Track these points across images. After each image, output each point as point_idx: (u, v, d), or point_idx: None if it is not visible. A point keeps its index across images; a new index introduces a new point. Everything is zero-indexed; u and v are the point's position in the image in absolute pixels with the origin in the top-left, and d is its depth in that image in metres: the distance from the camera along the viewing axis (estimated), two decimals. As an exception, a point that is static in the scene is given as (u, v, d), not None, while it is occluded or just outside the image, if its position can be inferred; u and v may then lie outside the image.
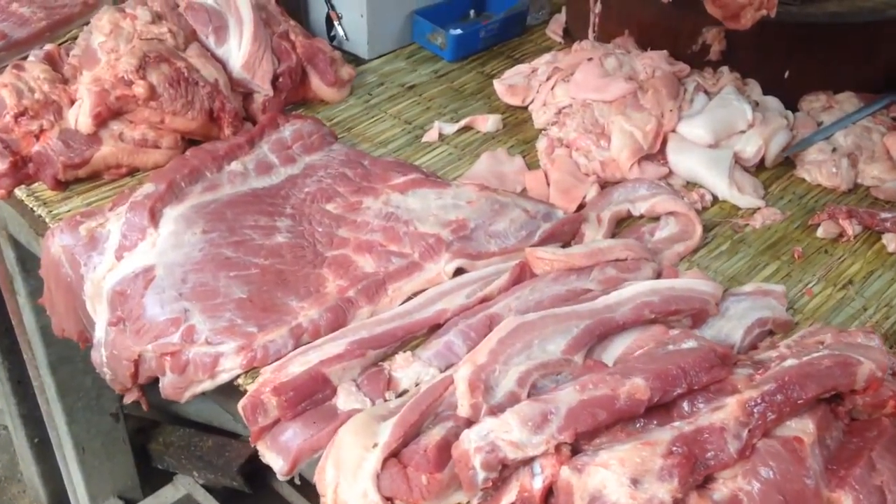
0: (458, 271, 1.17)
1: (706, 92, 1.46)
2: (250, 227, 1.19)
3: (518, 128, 1.53)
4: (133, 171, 1.35)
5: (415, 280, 1.16)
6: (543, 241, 1.22)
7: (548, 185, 1.36)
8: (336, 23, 1.66)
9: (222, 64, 1.43)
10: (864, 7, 1.49)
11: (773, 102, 1.46)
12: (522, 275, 1.14)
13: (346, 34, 1.67)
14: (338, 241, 1.20)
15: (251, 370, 1.04)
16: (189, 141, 1.39)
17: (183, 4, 1.43)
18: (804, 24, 1.46)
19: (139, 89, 1.29)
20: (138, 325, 1.08)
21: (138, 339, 1.07)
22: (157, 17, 1.38)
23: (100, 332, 1.13)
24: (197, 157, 1.26)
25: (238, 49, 1.44)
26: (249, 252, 1.16)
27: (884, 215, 1.23)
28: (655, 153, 1.39)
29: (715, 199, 1.33)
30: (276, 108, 1.47)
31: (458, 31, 1.68)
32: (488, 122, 1.51)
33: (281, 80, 1.48)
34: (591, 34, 1.67)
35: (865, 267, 1.18)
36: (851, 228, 1.22)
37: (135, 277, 1.11)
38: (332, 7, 1.66)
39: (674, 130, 1.40)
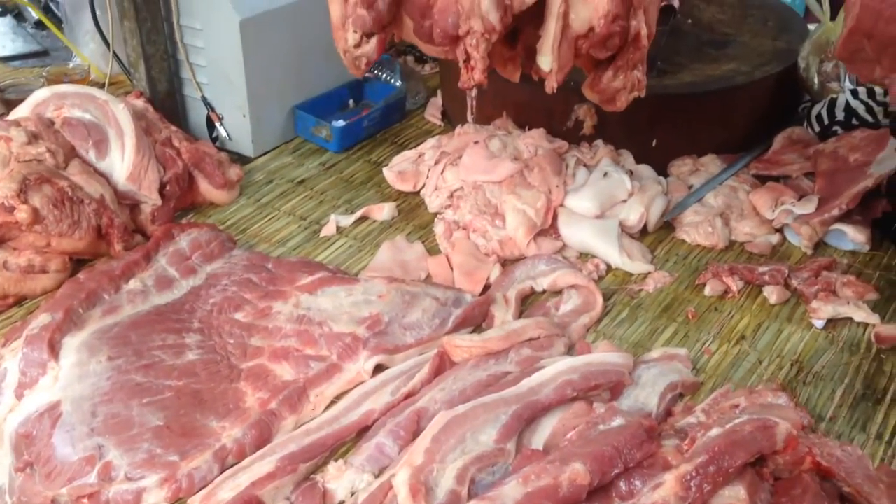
0: (378, 367, 1.18)
1: (586, 165, 1.55)
2: (158, 348, 1.15)
3: (413, 213, 1.56)
4: (21, 300, 1.28)
5: (335, 382, 1.15)
6: (457, 327, 1.25)
7: (451, 269, 1.40)
8: (217, 124, 1.65)
9: (106, 178, 1.39)
10: (714, 76, 1.63)
11: (646, 170, 1.56)
12: (442, 364, 1.16)
13: (228, 134, 1.66)
14: (252, 350, 1.18)
15: (178, 502, 0.99)
16: (77, 261, 1.34)
17: (59, 121, 1.39)
18: (664, 95, 1.58)
19: (22, 214, 1.23)
20: (49, 468, 1.01)
21: (50, 484, 1.00)
22: (34, 137, 1.33)
23: (3, 479, 1.05)
24: (92, 279, 1.22)
25: (121, 161, 1.40)
26: (161, 375, 1.12)
27: (761, 269, 1.33)
28: (548, 228, 1.46)
29: (609, 268, 1.40)
30: (166, 217, 1.44)
31: (342, 123, 1.71)
32: (384, 211, 1.54)
33: (168, 187, 1.45)
34: (470, 117, 1.73)
35: (753, 321, 1.28)
36: (735, 285, 1.32)
37: (39, 417, 1.05)
38: (212, 109, 1.65)
39: (562, 205, 1.48)
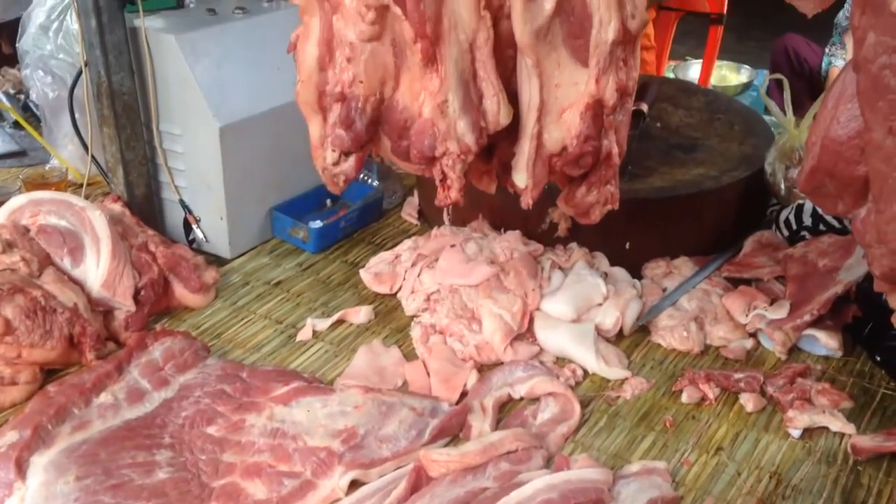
0: (354, 482, 1.15)
1: (561, 268, 1.57)
2: (128, 466, 1.13)
3: (390, 316, 1.56)
4: (-13, 414, 1.25)
5: (309, 500, 1.13)
6: (434, 438, 1.23)
7: (428, 375, 1.39)
8: (195, 226, 1.66)
9: (80, 285, 1.38)
10: (683, 180, 1.67)
11: (620, 273, 1.58)
12: (419, 480, 1.14)
13: (205, 237, 1.66)
14: (224, 467, 1.16)
15: None
16: (49, 371, 1.31)
17: (34, 229, 1.39)
18: (635, 199, 1.61)
19: (-7, 326, 1.22)
20: None
21: None
22: (8, 246, 1.32)
23: None
24: (63, 393, 1.19)
25: (96, 268, 1.40)
26: (130, 495, 1.09)
27: (737, 376, 1.34)
28: (525, 332, 1.46)
29: (586, 373, 1.40)
30: (140, 323, 1.42)
31: (319, 224, 1.72)
32: (360, 314, 1.54)
33: (143, 293, 1.44)
34: (446, 218, 1.75)
35: (731, 429, 1.28)
36: (711, 392, 1.33)
37: (2, 543, 1.01)
38: (190, 211, 1.66)
39: (538, 308, 1.49)
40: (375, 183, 1.88)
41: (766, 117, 1.92)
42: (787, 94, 1.70)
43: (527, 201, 1.14)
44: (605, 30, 1.05)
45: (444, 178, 1.06)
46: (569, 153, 1.11)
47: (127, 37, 1.51)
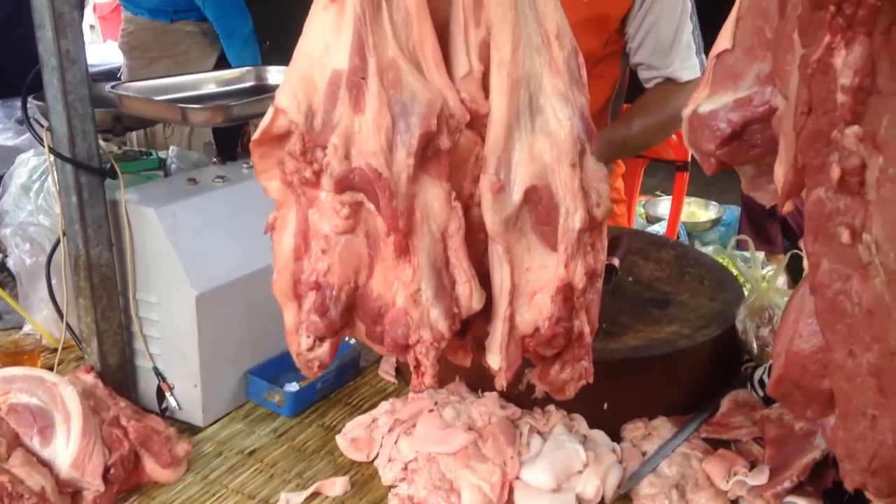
0: None
1: (539, 432, 1.55)
2: None
3: (366, 486, 1.52)
4: None
5: None
6: None
7: (405, 554, 1.35)
8: (168, 394, 1.64)
9: (49, 466, 1.34)
10: (657, 339, 1.69)
11: (600, 436, 1.57)
12: None
13: (178, 404, 1.64)
14: None
15: None
16: (8, 561, 1.26)
17: (5, 408, 1.36)
18: (611, 360, 1.62)
19: (-48, 519, 1.17)
20: None
21: None
22: (-25, 425, 1.30)
23: None
24: (21, 591, 1.14)
25: (66, 447, 1.36)
26: None
27: (721, 550, 1.31)
28: (505, 503, 1.43)
29: (567, 547, 1.37)
30: (108, 503, 1.38)
31: (296, 388, 1.70)
32: (336, 486, 1.50)
33: (113, 471, 1.40)
34: (423, 378, 1.75)
35: None
36: (696, 568, 1.29)
37: None
38: (163, 379, 1.64)
39: (517, 477, 1.46)
40: (352, 341, 1.88)
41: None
42: (752, 254, 1.75)
43: (501, 383, 1.14)
44: (571, 219, 1.09)
45: (418, 364, 1.07)
46: (541, 334, 1.13)
47: (107, 210, 1.54)
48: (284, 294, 1.09)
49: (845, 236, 0.65)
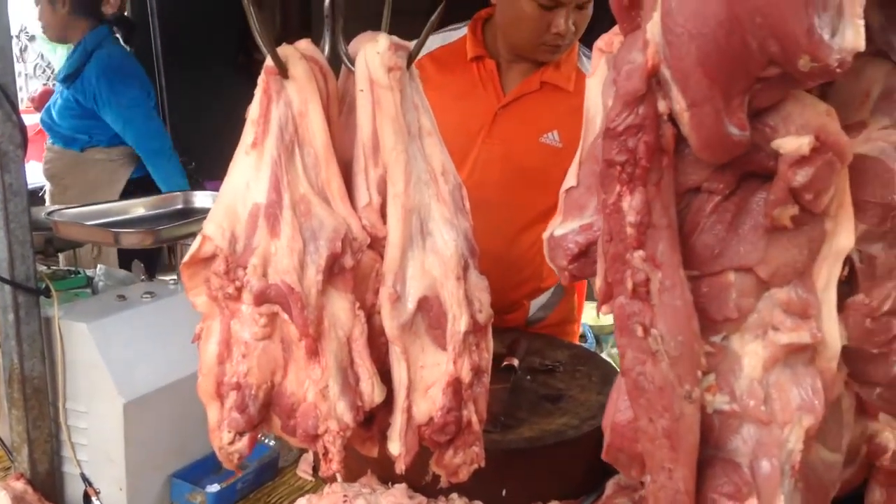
0: None
1: (444, 521, 1.71)
2: None
3: (283, 578, 1.63)
4: None
5: None
6: None
7: None
8: (94, 499, 1.73)
9: (-22, 569, 1.42)
10: (549, 430, 1.88)
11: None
12: None
13: (104, 508, 1.73)
14: None
15: None
16: None
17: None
18: (508, 450, 1.80)
19: None
20: None
21: None
22: None
23: None
24: None
25: (-4, 550, 1.45)
26: None
27: None
28: (411, 586, 1.56)
29: None
30: None
31: (217, 488, 1.81)
32: (255, 579, 1.61)
33: (40, 572, 1.48)
34: (338, 476, 1.88)
35: None
36: None
37: None
38: (90, 484, 1.73)
39: (423, 562, 1.60)
40: (272, 443, 2.01)
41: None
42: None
43: (400, 467, 1.31)
44: (458, 323, 1.30)
45: (326, 452, 1.23)
46: (435, 423, 1.31)
47: (41, 326, 1.67)
48: (208, 395, 1.24)
49: (639, 331, 0.86)
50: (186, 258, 1.19)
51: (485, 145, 2.33)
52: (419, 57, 2.48)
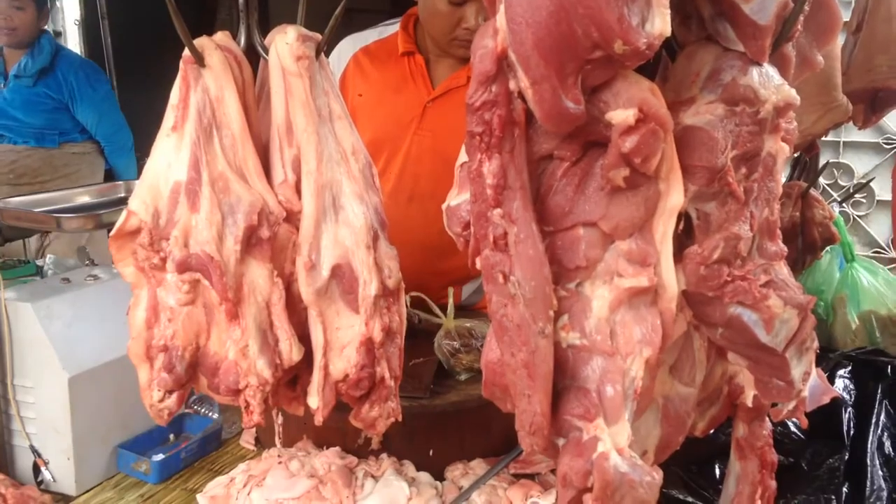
0: None
1: (373, 476, 1.84)
2: None
3: (223, 535, 1.75)
4: None
5: None
6: None
7: (253, 583, 1.59)
8: (43, 468, 1.84)
9: (-70, 529, 1.52)
10: (474, 395, 2.02)
11: (424, 477, 1.87)
12: None
13: (53, 477, 1.84)
14: None
15: None
16: None
17: None
18: (435, 413, 1.94)
19: None
20: None
21: None
22: None
23: None
24: None
25: (-53, 512, 1.55)
26: None
27: (512, 554, 1.62)
28: (340, 536, 1.70)
29: (392, 567, 1.64)
30: (-14, 561, 1.56)
31: (161, 457, 1.93)
32: (195, 536, 1.73)
33: (-9, 532, 1.59)
34: (277, 441, 2.01)
35: None
36: (492, 570, 1.59)
37: None
38: (39, 455, 1.84)
39: (352, 514, 1.74)
40: (215, 416, 2.13)
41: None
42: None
43: (318, 419, 1.43)
44: (368, 287, 1.43)
45: (248, 405, 1.35)
46: (350, 379, 1.44)
47: (-12, 307, 1.77)
48: (139, 357, 1.36)
49: (500, 279, 1.00)
50: (113, 232, 1.31)
51: (416, 137, 2.45)
52: (355, 50, 2.60)
